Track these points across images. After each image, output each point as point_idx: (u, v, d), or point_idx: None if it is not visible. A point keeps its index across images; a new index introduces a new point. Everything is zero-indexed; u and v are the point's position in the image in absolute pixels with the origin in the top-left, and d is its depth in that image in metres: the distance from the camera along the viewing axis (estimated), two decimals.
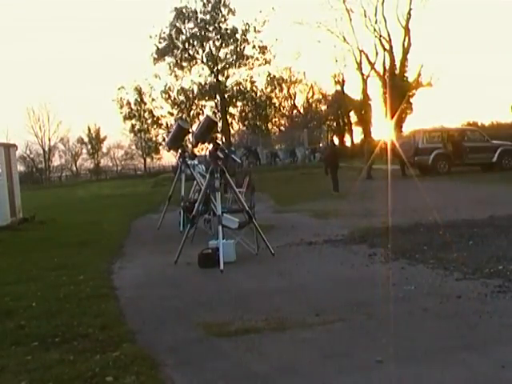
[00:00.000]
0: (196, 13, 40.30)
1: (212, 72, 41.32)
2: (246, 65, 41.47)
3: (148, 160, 56.21)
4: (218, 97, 41.23)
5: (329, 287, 6.00)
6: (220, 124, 38.46)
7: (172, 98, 42.05)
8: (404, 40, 43.37)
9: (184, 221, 10.58)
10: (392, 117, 42.08)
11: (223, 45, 40.94)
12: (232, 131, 45.11)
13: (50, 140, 59.07)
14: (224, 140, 37.38)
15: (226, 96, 41.24)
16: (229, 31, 40.36)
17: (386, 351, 4.02)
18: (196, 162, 12.24)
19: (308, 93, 51.84)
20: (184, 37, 40.57)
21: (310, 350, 4.18)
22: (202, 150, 16.29)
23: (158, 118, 43.39)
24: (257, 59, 41.23)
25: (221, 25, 40.35)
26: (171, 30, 40.40)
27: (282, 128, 50.48)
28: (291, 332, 4.57)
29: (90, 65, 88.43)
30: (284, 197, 15.10)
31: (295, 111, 51.66)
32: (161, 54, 40.48)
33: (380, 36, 44.04)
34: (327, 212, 12.32)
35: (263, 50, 40.80)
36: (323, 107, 50.73)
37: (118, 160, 65.21)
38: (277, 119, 50.08)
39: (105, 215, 15.95)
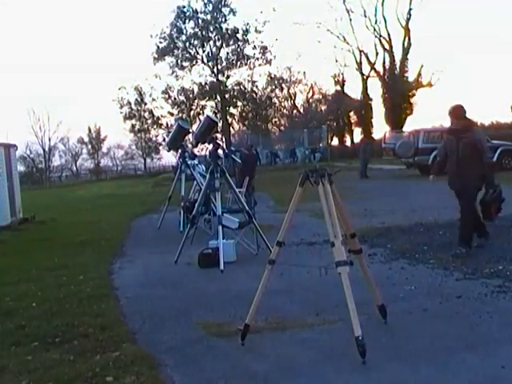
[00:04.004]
0: (197, 13, 40.31)
1: (212, 72, 41.31)
2: (246, 65, 41.49)
3: (148, 160, 56.29)
4: (218, 97, 41.22)
5: (329, 287, 5.97)
6: (220, 124, 38.45)
7: (172, 98, 42.05)
8: (404, 40, 43.43)
9: (184, 221, 10.59)
10: (392, 117, 42.16)
11: (224, 45, 40.93)
12: (232, 131, 45.15)
13: (50, 140, 59.00)
14: (224, 140, 37.37)
15: (226, 96, 41.22)
16: (229, 31, 40.35)
17: (385, 351, 4.03)
18: (196, 162, 12.24)
19: (308, 93, 51.88)
20: (184, 37, 40.57)
21: (310, 350, 4.19)
22: (202, 150, 16.31)
23: (158, 118, 43.39)
24: (257, 59, 41.26)
25: (221, 25, 40.35)
26: (172, 30, 40.41)
27: (282, 128, 50.46)
28: (291, 332, 4.58)
29: (90, 64, 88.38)
30: (284, 197, 15.05)
31: (295, 111, 51.66)
32: (161, 54, 40.47)
33: (380, 36, 44.10)
34: None
35: (264, 50, 40.82)
36: (323, 107, 50.73)
37: (118, 160, 65.32)
38: (277, 119, 50.07)
39: (105, 215, 15.96)
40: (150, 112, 43.34)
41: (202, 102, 42.18)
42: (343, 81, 48.73)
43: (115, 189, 32.13)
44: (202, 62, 41.48)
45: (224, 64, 41.28)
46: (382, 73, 44.89)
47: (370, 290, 4.61)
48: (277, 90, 47.34)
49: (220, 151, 8.29)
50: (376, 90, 46.90)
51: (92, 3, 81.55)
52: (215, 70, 41.18)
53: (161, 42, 40.53)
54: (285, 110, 50.34)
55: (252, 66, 41.57)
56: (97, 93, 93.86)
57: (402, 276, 6.15)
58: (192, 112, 41.53)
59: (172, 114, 42.10)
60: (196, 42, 40.87)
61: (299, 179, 4.43)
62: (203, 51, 41.18)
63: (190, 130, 12.65)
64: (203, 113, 40.27)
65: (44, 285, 6.91)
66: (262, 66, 41.72)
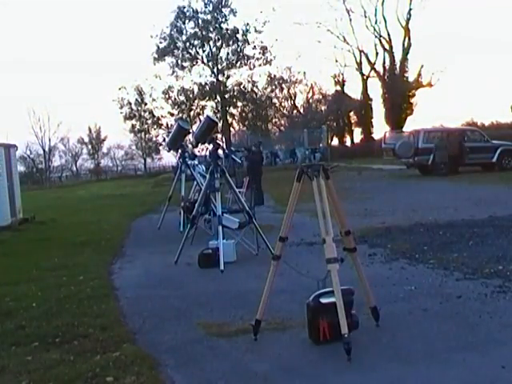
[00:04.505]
0: (197, 13, 40.34)
1: (212, 72, 41.34)
2: (246, 65, 41.51)
3: (148, 160, 56.30)
4: (218, 97, 41.24)
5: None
6: (220, 124, 38.45)
7: (172, 98, 42.06)
8: (404, 40, 43.50)
9: (184, 221, 10.59)
10: (392, 117, 42.14)
11: (224, 45, 40.96)
12: (232, 131, 45.16)
13: (50, 140, 58.89)
14: (224, 140, 37.38)
15: (226, 96, 41.25)
16: (229, 31, 40.39)
17: (386, 351, 4.02)
18: (196, 162, 12.25)
19: (308, 93, 51.82)
20: (185, 37, 40.61)
21: (310, 350, 4.19)
22: (202, 150, 16.32)
23: (159, 118, 43.42)
24: (257, 59, 41.28)
25: (222, 25, 40.38)
26: (172, 30, 40.44)
27: (282, 128, 50.45)
28: (291, 332, 4.58)
29: (90, 65, 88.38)
30: (284, 197, 15.04)
31: (295, 111, 51.66)
32: (161, 54, 40.52)
33: (380, 36, 44.22)
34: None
35: (263, 50, 40.84)
36: (323, 107, 50.71)
37: (118, 160, 65.28)
38: (277, 119, 50.06)
39: (105, 215, 15.96)
40: (150, 112, 43.37)
41: (202, 103, 42.23)
42: (343, 81, 48.81)
43: (115, 189, 32.15)
44: (202, 62, 41.52)
45: (224, 64, 41.32)
46: (382, 73, 44.96)
47: (363, 291, 4.59)
48: (277, 90, 47.34)
49: (220, 151, 8.29)
50: (376, 90, 47.02)
51: (92, 3, 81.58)
52: (215, 70, 41.22)
53: (161, 42, 40.61)
54: (285, 110, 50.32)
55: (252, 66, 41.64)
56: (97, 93, 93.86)
57: (402, 276, 6.15)
58: (192, 112, 41.55)
59: (172, 115, 42.14)
60: (196, 42, 40.92)
61: (296, 175, 4.46)
62: (203, 51, 41.24)
63: (190, 131, 12.65)
64: (203, 113, 40.30)
65: (44, 285, 6.90)
66: (262, 66, 41.80)
